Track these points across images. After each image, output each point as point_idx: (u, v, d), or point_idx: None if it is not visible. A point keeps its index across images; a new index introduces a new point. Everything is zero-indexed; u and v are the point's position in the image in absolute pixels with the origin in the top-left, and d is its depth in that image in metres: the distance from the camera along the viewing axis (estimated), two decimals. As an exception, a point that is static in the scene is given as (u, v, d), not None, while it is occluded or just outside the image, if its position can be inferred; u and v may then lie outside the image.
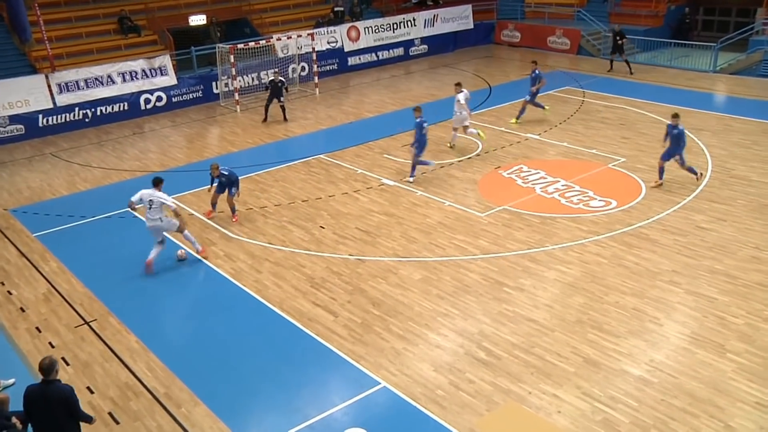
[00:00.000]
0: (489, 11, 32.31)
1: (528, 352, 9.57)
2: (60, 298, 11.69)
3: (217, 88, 24.20)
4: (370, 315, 10.68)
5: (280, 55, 25.10)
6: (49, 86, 21.06)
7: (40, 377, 7.23)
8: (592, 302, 10.70)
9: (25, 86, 20.73)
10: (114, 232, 14.10)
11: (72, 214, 15.05)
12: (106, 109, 22.15)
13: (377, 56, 28.40)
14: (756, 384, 8.76)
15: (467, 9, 31.02)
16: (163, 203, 11.98)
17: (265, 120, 21.36)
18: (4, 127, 20.58)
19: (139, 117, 22.71)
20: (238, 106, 22.98)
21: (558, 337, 9.85)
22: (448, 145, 18.04)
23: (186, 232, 12.51)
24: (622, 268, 11.67)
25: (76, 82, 21.47)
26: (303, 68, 25.81)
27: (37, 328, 10.80)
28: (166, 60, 23.14)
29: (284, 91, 21.26)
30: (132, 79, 22.51)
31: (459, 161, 17.01)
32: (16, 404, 7.67)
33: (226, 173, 13.96)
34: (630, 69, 25.11)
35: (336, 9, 28.48)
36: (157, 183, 12.16)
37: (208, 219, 14.32)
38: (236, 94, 23.05)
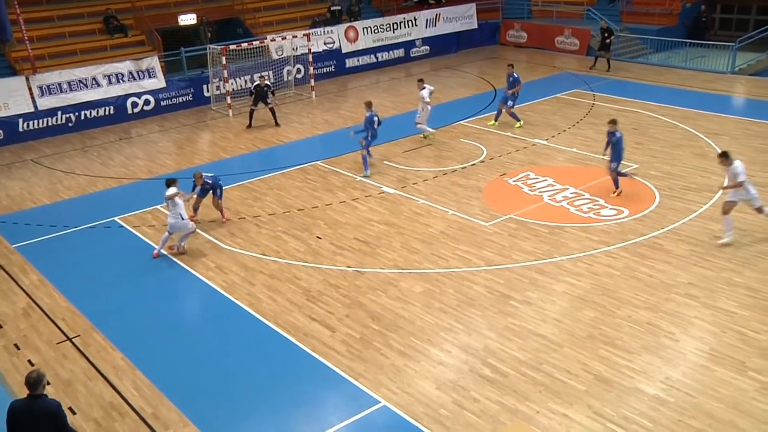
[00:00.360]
0: (494, 10, 32.47)
1: (536, 369, 9.57)
2: (41, 312, 11.69)
3: (208, 92, 24.28)
4: (370, 330, 10.68)
5: (275, 56, 25.21)
6: (30, 89, 21.12)
7: (18, 396, 7.22)
8: (603, 316, 10.70)
9: (4, 89, 20.79)
10: (99, 243, 14.12)
11: (54, 224, 15.07)
12: (90, 113, 22.21)
13: (376, 58, 28.52)
14: (778, 403, 8.76)
15: (471, 8, 31.17)
16: (169, 198, 12.93)
17: (249, 126, 21.38)
18: (-17, 133, 20.68)
19: (126, 121, 22.77)
20: (230, 111, 23.05)
21: (567, 354, 9.85)
22: (422, 136, 19.14)
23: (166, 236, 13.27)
24: (635, 280, 11.68)
25: (59, 84, 21.55)
26: (299, 70, 25.90)
27: (15, 345, 10.79)
28: (154, 62, 23.23)
29: (270, 94, 21.27)
30: (118, 82, 22.59)
31: (462, 168, 17.06)
32: (-4, 424, 7.67)
33: (210, 181, 14.35)
34: (609, 66, 25.96)
35: (333, 8, 28.62)
36: (169, 183, 13.17)
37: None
38: (228, 98, 23.12)
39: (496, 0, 32.68)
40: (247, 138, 20.53)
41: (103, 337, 10.86)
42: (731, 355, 9.64)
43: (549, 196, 15.12)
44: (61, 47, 23.47)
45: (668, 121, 19.87)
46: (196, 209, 14.61)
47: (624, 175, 15.01)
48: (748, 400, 8.81)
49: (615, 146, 14.68)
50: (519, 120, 19.88)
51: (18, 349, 10.69)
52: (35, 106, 21.26)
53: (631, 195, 14.91)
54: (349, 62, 27.83)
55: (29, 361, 10.34)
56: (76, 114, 21.96)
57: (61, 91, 21.61)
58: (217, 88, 23.97)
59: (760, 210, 12.54)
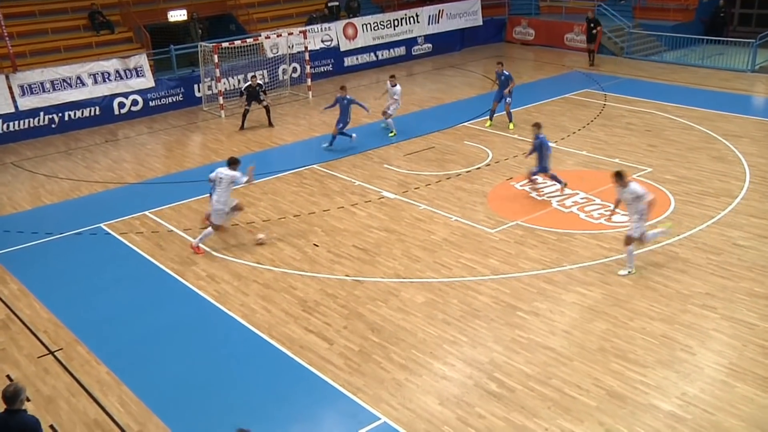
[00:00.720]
0: (500, 6, 32.58)
1: (544, 383, 9.56)
2: (21, 324, 11.69)
3: (199, 91, 24.35)
4: (369, 342, 10.68)
5: (270, 54, 25.28)
6: (10, 88, 21.15)
7: (-1, 410, 7.22)
8: (615, 328, 10.70)
9: (-18, 88, 20.84)
10: (84, 251, 14.13)
11: (36, 230, 15.09)
12: (74, 113, 22.27)
13: (376, 56, 28.60)
14: (801, 420, 8.74)
15: (476, 4, 31.29)
16: (232, 183, 13.25)
17: (242, 127, 21.47)
18: (-39, 134, 20.73)
19: (113, 123, 22.82)
20: (222, 111, 23.11)
21: (578, 367, 9.85)
22: (392, 133, 20.04)
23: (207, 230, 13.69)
24: (649, 290, 11.68)
25: (41, 83, 21.60)
26: (294, 69, 25.98)
27: (-5, 358, 10.80)
28: (142, 60, 23.29)
29: (262, 93, 21.40)
30: (104, 81, 22.65)
31: (467, 172, 17.10)
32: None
33: None
34: (592, 60, 26.85)
35: (330, 4, 28.73)
36: (232, 162, 13.40)
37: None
38: (220, 98, 23.18)
39: (503, -5, 32.83)
40: (240, 140, 20.57)
41: (88, 350, 10.85)
42: (753, 370, 9.62)
43: (558, 201, 15.13)
44: (44, 44, 23.54)
45: (684, 123, 19.90)
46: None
47: (534, 177, 15.31)
48: (769, 417, 8.81)
49: (539, 150, 14.95)
50: (512, 120, 20.02)
51: (-3, 362, 10.69)
52: (16, 107, 21.28)
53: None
54: (348, 61, 27.91)
55: (8, 376, 10.32)
56: (60, 115, 22.01)
57: (44, 91, 21.65)
58: (209, 87, 24.04)
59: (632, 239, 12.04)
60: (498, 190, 15.95)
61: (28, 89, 21.41)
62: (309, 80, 25.00)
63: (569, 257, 12.83)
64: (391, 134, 20.12)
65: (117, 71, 22.80)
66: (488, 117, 20.48)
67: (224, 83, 23.76)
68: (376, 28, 28.56)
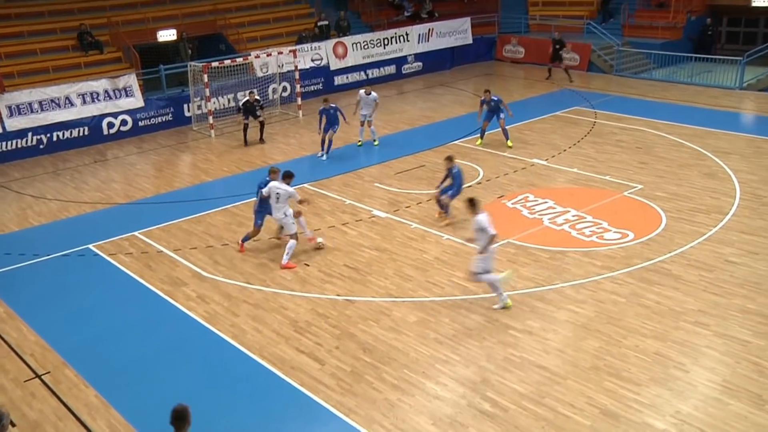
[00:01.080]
0: (490, 24, 32.89)
1: (538, 403, 9.54)
2: (7, 348, 11.58)
3: (188, 111, 24.39)
4: (361, 362, 10.65)
5: (259, 74, 25.38)
6: (-2, 109, 21.16)
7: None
8: (608, 346, 10.71)
9: (-30, 109, 20.84)
10: (71, 273, 14.06)
11: (23, 252, 15.01)
12: (63, 134, 22.25)
13: (366, 75, 28.75)
14: (795, 437, 8.75)
15: (466, 22, 31.55)
16: (290, 196, 13.48)
17: (245, 143, 21.74)
18: (-52, 155, 20.67)
19: (101, 143, 22.81)
20: (212, 131, 23.13)
21: (571, 386, 9.84)
22: (375, 142, 21.09)
23: (300, 218, 14.13)
24: (642, 307, 11.71)
25: (30, 104, 21.59)
26: (285, 88, 26.09)
27: (-19, 382, 10.70)
28: (131, 80, 23.34)
29: (259, 109, 21.72)
30: (93, 101, 22.66)
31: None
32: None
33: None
34: (570, 77, 27.82)
35: (320, 23, 28.90)
36: (286, 176, 13.67)
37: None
38: (210, 118, 23.22)
39: (492, 14, 33.11)
40: (230, 160, 20.58)
41: (76, 374, 10.76)
42: (746, 388, 9.64)
43: (549, 219, 15.19)
44: (32, 65, 23.55)
45: (674, 140, 20.06)
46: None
47: (446, 210, 15.28)
48: (764, 435, 8.82)
49: (455, 179, 15.02)
50: (509, 137, 20.19)
51: (-17, 386, 10.59)
52: (3, 127, 21.24)
53: (636, 217, 15.01)
54: (338, 80, 28.04)
55: (-5, 399, 10.24)
56: (48, 135, 21.98)
57: (32, 111, 21.63)
58: (199, 107, 24.08)
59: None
60: (489, 208, 15.88)
61: (16, 110, 21.39)
62: (299, 99, 25.09)
63: (561, 275, 12.86)
64: (375, 142, 21.09)
65: (106, 91, 22.82)
66: (479, 135, 20.56)
67: (214, 103, 23.81)
68: (366, 46, 28.74)
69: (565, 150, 19.64)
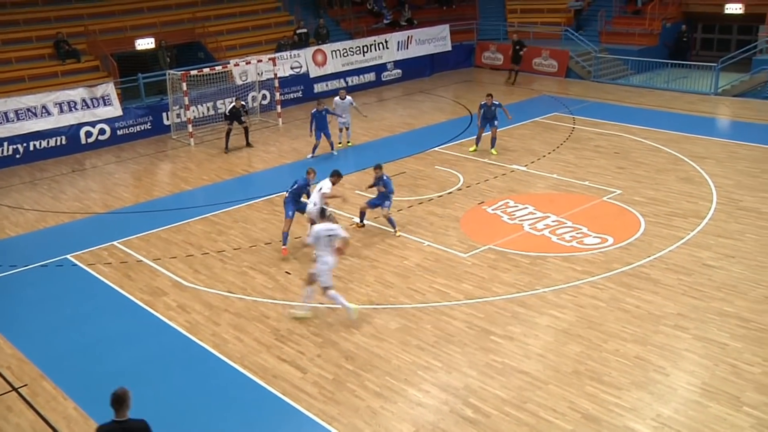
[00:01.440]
0: (468, 32, 33.04)
1: (520, 408, 9.56)
2: (-15, 360, 11.45)
3: (167, 119, 24.25)
4: (343, 370, 10.61)
5: (239, 81, 25.30)
6: (-27, 119, 20.93)
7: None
8: (589, 351, 10.76)
9: (-55, 119, 20.60)
10: (49, 284, 13.91)
11: (0, 263, 14.83)
12: (40, 143, 22.03)
13: (346, 82, 28.75)
14: (774, 439, 8.84)
15: (444, 29, 31.67)
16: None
17: (226, 150, 21.78)
18: (-77, 166, 20.40)
19: (79, 152, 22.60)
20: (191, 139, 23.02)
21: (553, 391, 9.87)
22: (348, 143, 21.63)
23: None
24: (622, 311, 11.78)
25: (5, 113, 21.35)
26: (264, 96, 26.03)
27: (-43, 396, 10.54)
28: (109, 88, 23.18)
29: (244, 114, 21.90)
30: (70, 110, 22.47)
31: (439, 196, 17.18)
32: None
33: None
34: (515, 80, 28.73)
35: (299, 31, 28.89)
36: (333, 175, 14.43)
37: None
38: (189, 126, 23.11)
39: (471, 21, 33.28)
40: (210, 168, 20.49)
41: (54, 386, 10.63)
42: (725, 390, 9.73)
43: (530, 224, 15.26)
44: (8, 73, 23.33)
45: (651, 145, 20.26)
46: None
47: (393, 224, 15.22)
48: (743, 437, 8.89)
49: (387, 186, 15.12)
50: (477, 145, 20.37)
51: (-41, 400, 10.43)
52: (-22, 137, 21.03)
53: (615, 222, 15.12)
54: (318, 87, 28.02)
55: (-28, 413, 10.09)
56: (24, 145, 21.74)
57: (8, 121, 21.40)
58: (178, 115, 23.95)
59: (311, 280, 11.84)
60: (470, 215, 16.05)
61: (-8, 119, 21.18)
62: (279, 107, 25.04)
63: (542, 280, 12.92)
64: (348, 143, 21.71)
65: (83, 100, 22.63)
66: (475, 142, 20.47)
67: (193, 111, 23.70)
68: (345, 54, 28.76)
69: (544, 156, 19.75)
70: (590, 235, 14.55)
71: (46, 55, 24.59)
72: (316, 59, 27.96)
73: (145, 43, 25.88)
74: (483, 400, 9.76)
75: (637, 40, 29.70)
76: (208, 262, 14.44)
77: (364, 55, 29.33)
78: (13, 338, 11.96)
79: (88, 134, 22.86)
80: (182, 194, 18.55)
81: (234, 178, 19.59)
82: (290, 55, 27.24)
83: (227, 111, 21.99)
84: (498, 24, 32.89)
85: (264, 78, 25.48)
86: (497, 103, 19.89)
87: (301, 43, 28.54)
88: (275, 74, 24.77)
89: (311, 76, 27.81)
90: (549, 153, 19.99)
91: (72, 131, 22.53)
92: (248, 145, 22.17)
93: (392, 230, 15.18)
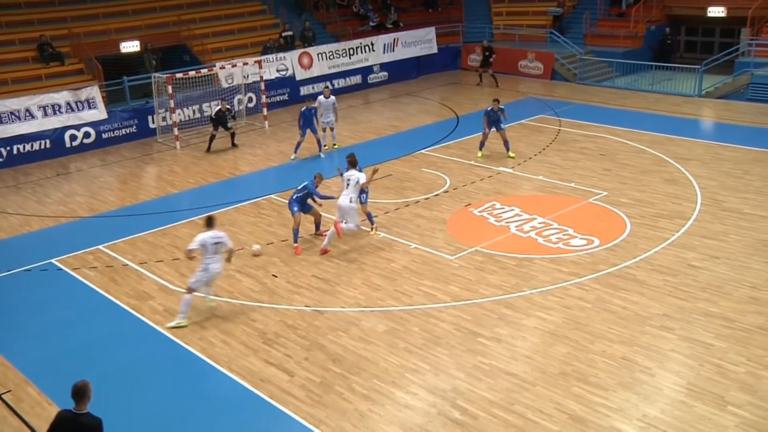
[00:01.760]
0: (454, 34, 33.13)
1: (507, 409, 9.58)
2: (-32, 366, 11.34)
3: (153, 123, 24.14)
4: (330, 373, 10.60)
5: (225, 84, 25.23)
6: (-44, 122, 20.76)
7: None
8: (576, 352, 10.80)
9: (-72, 122, 20.43)
10: (33, 288, 13.80)
11: (-16, 268, 14.72)
12: (24, 147, 21.86)
13: (332, 85, 28.70)
14: (759, 438, 8.90)
15: (431, 32, 31.74)
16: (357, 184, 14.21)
17: (208, 150, 21.84)
18: None
19: (64, 156, 22.46)
20: (177, 142, 22.93)
21: (540, 392, 9.90)
22: (335, 146, 21.58)
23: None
24: (608, 312, 11.84)
25: (-11, 117, 21.21)
26: (250, 99, 25.97)
27: (-61, 403, 10.43)
28: (94, 91, 23.04)
29: (231, 118, 21.88)
30: (55, 113, 22.33)
31: (425, 199, 17.20)
32: None
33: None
34: (481, 81, 29.65)
35: (285, 34, 28.86)
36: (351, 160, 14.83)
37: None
38: (175, 129, 23.02)
39: (457, 24, 33.37)
40: (196, 171, 20.41)
41: (39, 391, 10.55)
42: (710, 390, 9.79)
43: (516, 226, 15.30)
44: (-10, 77, 23.16)
45: (636, 146, 20.37)
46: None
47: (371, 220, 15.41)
48: (728, 436, 8.95)
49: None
50: (482, 149, 20.21)
51: (-58, 407, 10.33)
52: (-38, 141, 20.87)
53: (601, 224, 15.19)
54: (304, 90, 27.97)
55: (-45, 420, 10.00)
56: (8, 148, 21.57)
57: (-9, 124, 21.27)
58: (163, 118, 23.84)
59: (189, 290, 11.99)
60: (457, 217, 16.07)
61: (-25, 123, 21.01)
62: (265, 110, 24.99)
63: (529, 282, 12.95)
64: (335, 146, 21.56)
65: (68, 103, 22.49)
66: (479, 148, 20.35)
67: (179, 114, 23.61)
68: (331, 57, 28.76)
69: (530, 158, 19.82)
70: (576, 237, 14.61)
71: (29, 58, 24.42)
72: (302, 62, 27.94)
73: (130, 46, 25.76)
74: (470, 401, 9.77)
75: (622, 42, 29.87)
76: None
77: (350, 58, 29.34)
78: (-3, 343, 11.87)
79: (73, 137, 22.72)
80: (168, 197, 18.47)
81: (220, 181, 19.52)
82: (276, 58, 27.20)
83: (213, 114, 21.98)
84: (483, 26, 32.99)
85: (250, 81, 25.42)
86: (503, 107, 19.82)
87: (287, 45, 28.52)
88: (261, 77, 24.74)
89: (297, 78, 27.78)
90: (535, 155, 20.06)
91: (56, 135, 22.39)
92: (234, 145, 22.21)
93: (370, 228, 15.22)
